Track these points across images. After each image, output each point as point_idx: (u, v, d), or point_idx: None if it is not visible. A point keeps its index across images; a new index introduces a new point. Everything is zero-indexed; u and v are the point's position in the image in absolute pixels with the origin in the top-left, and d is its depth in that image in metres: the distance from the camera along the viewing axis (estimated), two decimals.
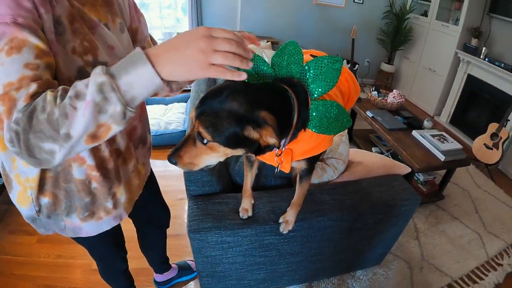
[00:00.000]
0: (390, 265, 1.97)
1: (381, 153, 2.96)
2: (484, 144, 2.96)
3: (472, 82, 3.65)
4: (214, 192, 1.37)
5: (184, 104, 3.45)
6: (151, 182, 1.25)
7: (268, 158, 0.95)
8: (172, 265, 1.75)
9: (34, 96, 0.57)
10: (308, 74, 0.81)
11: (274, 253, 1.40)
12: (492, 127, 2.91)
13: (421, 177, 2.56)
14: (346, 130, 1.21)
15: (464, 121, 3.82)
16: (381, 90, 3.25)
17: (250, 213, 1.27)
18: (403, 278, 1.91)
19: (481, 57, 3.40)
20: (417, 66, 4.51)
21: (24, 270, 1.77)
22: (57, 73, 0.66)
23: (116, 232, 1.16)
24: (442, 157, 2.29)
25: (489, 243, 2.25)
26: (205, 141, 0.69)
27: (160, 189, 1.37)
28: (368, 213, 1.42)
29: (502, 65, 3.13)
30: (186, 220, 1.26)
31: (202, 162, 0.73)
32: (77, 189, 0.85)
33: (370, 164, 1.62)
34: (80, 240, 1.03)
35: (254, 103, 0.69)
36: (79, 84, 0.56)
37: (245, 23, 4.43)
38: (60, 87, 0.58)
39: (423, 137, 2.50)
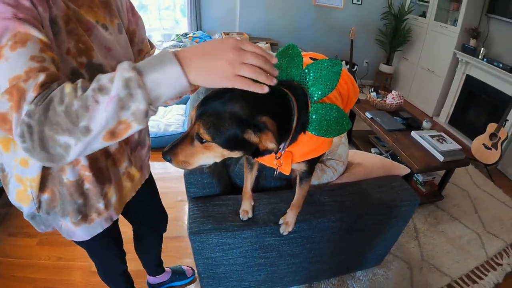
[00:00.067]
0: (390, 266, 1.97)
1: (380, 154, 2.96)
2: (483, 144, 2.97)
3: (470, 83, 3.66)
4: (214, 194, 1.37)
5: (183, 106, 3.45)
6: (149, 184, 1.25)
7: (268, 160, 0.95)
8: (166, 268, 1.74)
9: (43, 86, 0.56)
10: (308, 77, 0.81)
11: (274, 254, 1.40)
12: (491, 127, 2.92)
13: (420, 177, 2.56)
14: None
15: (463, 121, 3.83)
16: (380, 91, 3.25)
17: (250, 215, 1.27)
18: (403, 278, 1.92)
19: (480, 57, 3.41)
20: (416, 67, 4.52)
21: (25, 272, 1.77)
22: None
23: (114, 233, 1.16)
24: (441, 158, 2.29)
25: (489, 243, 2.25)
26: (203, 141, 0.70)
27: (160, 190, 1.37)
28: (367, 214, 1.42)
29: (501, 65, 3.14)
30: (186, 222, 1.26)
31: (198, 162, 0.73)
32: (69, 192, 0.85)
33: (370, 165, 1.63)
34: (78, 241, 1.03)
35: (256, 107, 0.70)
36: (103, 78, 0.55)
37: (244, 24, 4.43)
38: (79, 80, 0.57)
39: (422, 137, 2.51)
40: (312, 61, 0.83)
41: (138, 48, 1.03)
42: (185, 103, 3.49)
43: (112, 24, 0.84)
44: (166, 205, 1.43)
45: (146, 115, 0.55)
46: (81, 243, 1.04)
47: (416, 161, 2.26)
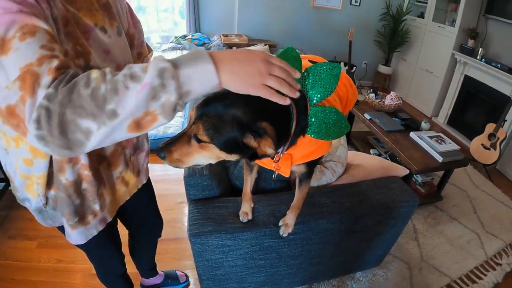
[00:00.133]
0: (389, 266, 1.97)
1: (379, 155, 2.97)
2: (482, 144, 2.98)
3: (469, 83, 3.67)
4: (214, 196, 1.37)
5: None
6: (147, 189, 1.25)
7: (267, 162, 0.96)
8: (159, 272, 1.73)
9: (59, 70, 0.55)
10: (307, 80, 0.82)
11: (274, 256, 1.40)
12: (490, 127, 2.93)
13: (419, 178, 2.57)
14: None
15: (462, 121, 3.85)
16: (378, 92, 3.26)
17: (250, 217, 1.28)
18: (403, 279, 1.92)
19: (478, 58, 3.42)
20: (414, 68, 4.54)
21: (25, 275, 1.77)
22: None
23: (113, 235, 1.17)
24: (440, 158, 2.30)
25: (488, 243, 2.26)
26: (201, 141, 0.70)
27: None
28: (367, 215, 1.43)
29: (499, 65, 3.15)
30: (186, 224, 1.26)
31: (192, 161, 0.73)
32: (67, 194, 0.86)
33: (369, 166, 1.63)
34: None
35: (257, 113, 0.70)
36: (135, 67, 0.55)
37: (243, 26, 4.44)
38: (106, 67, 0.57)
39: (420, 138, 2.52)
40: (311, 64, 0.83)
41: (138, 51, 1.03)
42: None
43: (112, 27, 0.85)
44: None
45: (174, 109, 0.56)
46: (80, 245, 1.04)
47: (415, 162, 2.27)
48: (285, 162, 0.94)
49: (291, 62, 0.82)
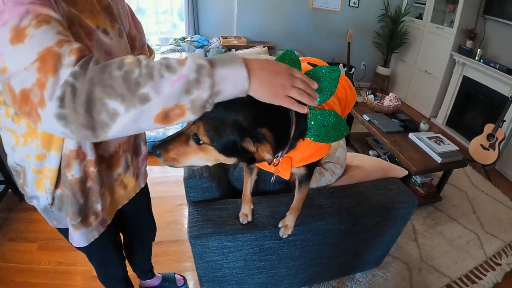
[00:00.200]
0: (389, 267, 1.98)
1: (379, 156, 2.98)
2: (481, 145, 2.99)
3: (467, 84, 3.68)
4: (214, 198, 1.38)
5: None
6: (144, 193, 1.25)
7: (267, 165, 0.96)
8: (156, 274, 1.73)
9: (81, 51, 0.55)
10: None
11: (274, 257, 1.41)
12: (488, 128, 2.94)
13: (418, 179, 2.58)
14: None
15: (461, 122, 3.86)
16: (377, 93, 3.27)
17: (249, 218, 1.28)
18: (402, 279, 1.93)
19: (476, 58, 3.43)
20: (413, 69, 4.55)
21: (25, 277, 1.77)
22: None
23: (113, 237, 1.17)
24: (439, 159, 2.31)
25: (487, 243, 2.26)
26: (200, 142, 0.70)
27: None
28: (366, 216, 1.43)
29: (497, 66, 3.17)
30: (186, 226, 1.26)
31: (188, 162, 0.73)
32: (72, 192, 0.86)
33: (368, 167, 1.64)
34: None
35: (258, 118, 0.71)
36: (171, 59, 0.57)
37: (242, 28, 4.45)
38: (140, 55, 0.57)
39: (419, 139, 2.52)
40: (310, 67, 0.84)
41: (139, 53, 1.04)
42: None
43: (113, 29, 0.85)
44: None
45: (204, 106, 0.57)
46: (81, 248, 1.05)
47: (414, 163, 2.27)
48: (285, 165, 0.94)
49: (290, 65, 0.83)
